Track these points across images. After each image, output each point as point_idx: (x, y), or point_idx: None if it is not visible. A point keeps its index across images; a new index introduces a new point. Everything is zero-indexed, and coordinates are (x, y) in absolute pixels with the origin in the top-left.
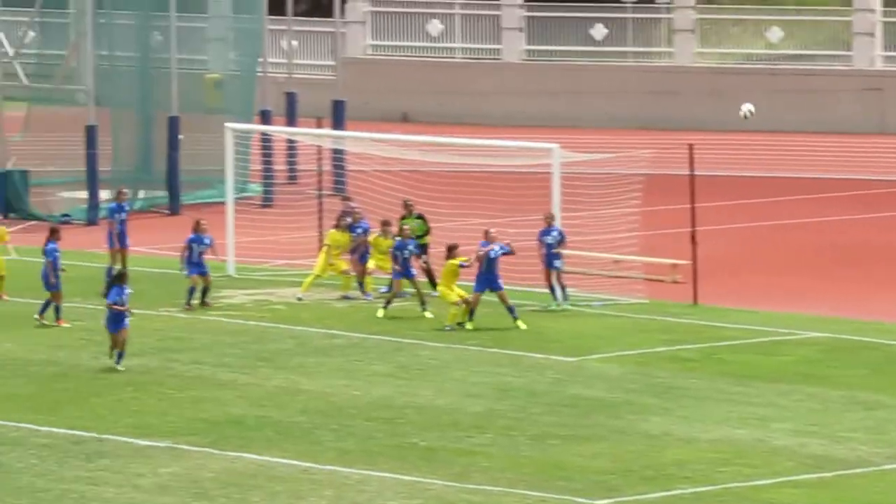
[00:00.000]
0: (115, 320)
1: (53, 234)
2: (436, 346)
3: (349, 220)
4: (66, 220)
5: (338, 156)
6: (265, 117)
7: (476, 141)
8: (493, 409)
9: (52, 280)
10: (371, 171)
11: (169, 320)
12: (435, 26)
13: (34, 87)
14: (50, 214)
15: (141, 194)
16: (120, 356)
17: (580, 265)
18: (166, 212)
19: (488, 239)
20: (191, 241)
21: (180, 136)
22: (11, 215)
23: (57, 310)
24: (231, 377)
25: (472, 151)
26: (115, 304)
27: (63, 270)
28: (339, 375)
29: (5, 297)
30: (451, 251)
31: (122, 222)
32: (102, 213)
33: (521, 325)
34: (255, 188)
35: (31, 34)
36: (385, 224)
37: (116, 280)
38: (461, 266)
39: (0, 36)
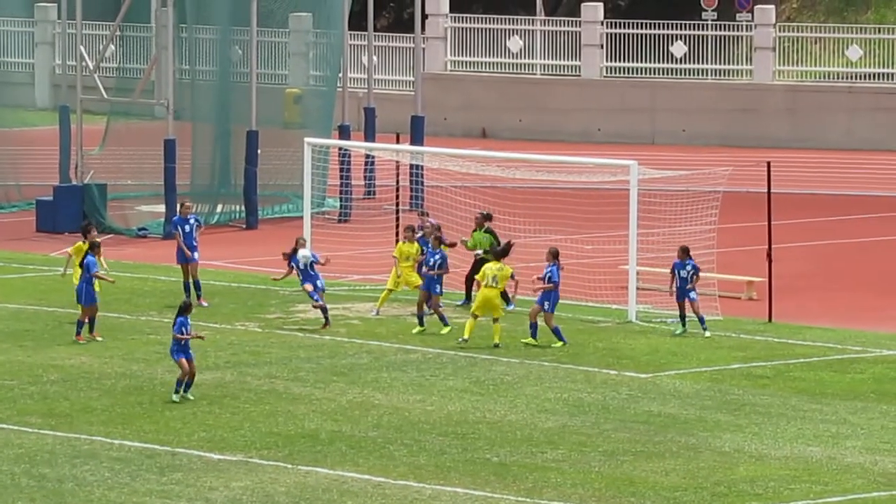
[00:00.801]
0: (182, 350)
1: (93, 249)
2: (510, 361)
3: (418, 231)
4: (143, 233)
5: (416, 171)
6: (344, 132)
7: (554, 157)
8: (566, 425)
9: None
10: (448, 187)
11: (244, 334)
12: (515, 42)
13: (114, 100)
14: (127, 228)
15: (219, 208)
16: (188, 385)
17: (655, 282)
18: (243, 226)
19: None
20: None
21: (259, 151)
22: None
23: (91, 322)
24: (305, 391)
25: (550, 168)
26: (180, 334)
27: (112, 281)
28: (413, 390)
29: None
30: (503, 254)
31: (188, 235)
32: (168, 228)
33: (530, 341)
34: (333, 203)
35: (112, 48)
36: (409, 230)
37: (182, 311)
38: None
39: (80, 49)
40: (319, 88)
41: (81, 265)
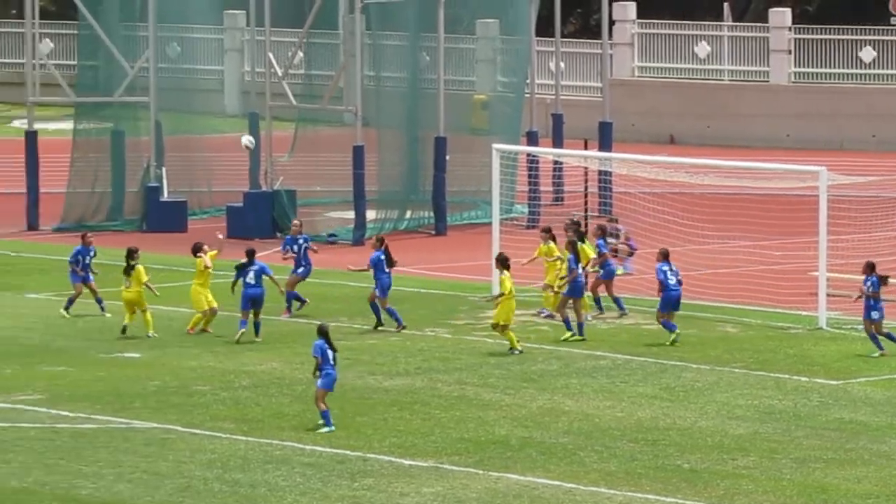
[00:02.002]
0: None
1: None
2: (700, 368)
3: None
4: (332, 239)
5: (604, 177)
6: (532, 138)
7: (742, 163)
8: (757, 432)
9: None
10: (636, 193)
11: (433, 340)
12: (703, 48)
13: (302, 107)
14: (316, 234)
15: (407, 214)
16: (321, 416)
17: (845, 288)
18: (432, 232)
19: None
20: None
21: (447, 157)
22: (279, 234)
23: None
24: (495, 397)
25: (738, 174)
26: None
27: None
28: (603, 397)
29: (210, 330)
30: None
31: (299, 253)
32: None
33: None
34: (521, 209)
35: (300, 55)
36: (546, 231)
37: (320, 334)
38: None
39: (269, 56)
40: (507, 95)
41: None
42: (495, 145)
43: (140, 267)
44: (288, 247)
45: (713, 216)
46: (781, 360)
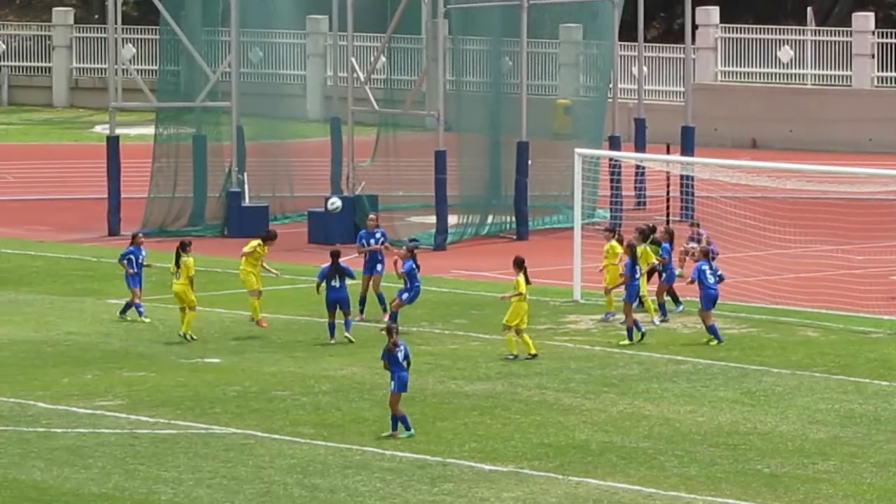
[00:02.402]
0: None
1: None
2: (781, 372)
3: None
4: (414, 244)
5: (686, 182)
6: (614, 143)
7: (825, 167)
8: (838, 436)
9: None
10: (719, 198)
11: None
12: (786, 52)
13: (384, 111)
14: (398, 239)
15: (489, 219)
16: (400, 421)
17: None
18: (514, 237)
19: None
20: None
21: (529, 162)
22: None
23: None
24: (576, 402)
25: (821, 178)
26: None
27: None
28: (683, 401)
29: (264, 325)
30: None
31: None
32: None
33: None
34: (603, 214)
35: (382, 59)
36: (609, 230)
37: (388, 333)
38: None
39: (352, 61)
40: (590, 99)
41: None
42: (578, 150)
43: (189, 259)
44: (363, 241)
45: (795, 220)
46: (862, 364)
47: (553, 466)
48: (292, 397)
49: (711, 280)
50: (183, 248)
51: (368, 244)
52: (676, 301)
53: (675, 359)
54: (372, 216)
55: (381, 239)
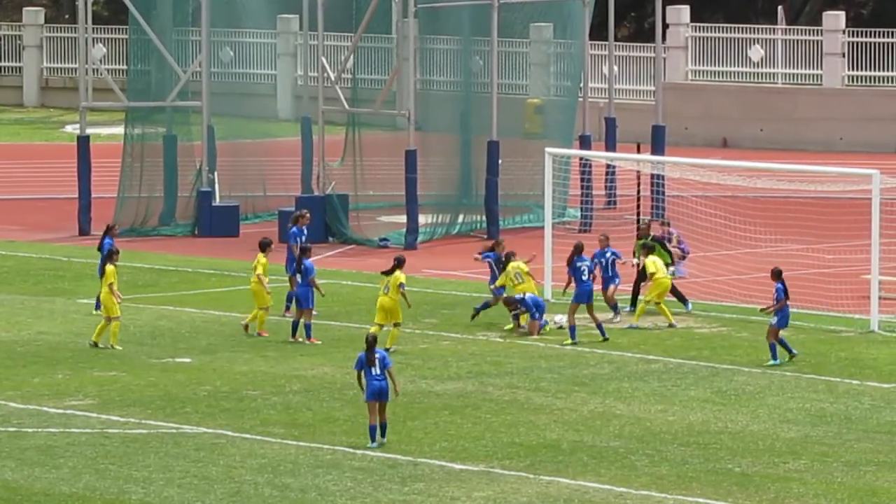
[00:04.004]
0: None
1: (307, 253)
2: (752, 371)
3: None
4: (384, 244)
5: (657, 181)
6: (585, 142)
7: (796, 166)
8: (808, 436)
9: (320, 292)
10: (690, 197)
11: (485, 345)
12: (756, 52)
13: (355, 111)
14: (368, 239)
15: (460, 218)
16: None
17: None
18: (484, 236)
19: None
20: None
21: (500, 161)
22: (331, 239)
23: (308, 327)
24: (546, 402)
25: (791, 177)
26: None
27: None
28: (654, 400)
29: (265, 334)
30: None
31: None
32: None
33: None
34: (574, 213)
35: (353, 59)
36: (645, 247)
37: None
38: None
39: (322, 60)
40: (560, 98)
41: (299, 270)
42: (548, 149)
43: (109, 267)
44: (295, 239)
45: (766, 219)
46: (833, 363)
47: (524, 466)
48: (263, 397)
49: (586, 276)
50: (263, 247)
51: (297, 242)
52: (684, 301)
53: (646, 358)
54: (304, 211)
55: (302, 237)
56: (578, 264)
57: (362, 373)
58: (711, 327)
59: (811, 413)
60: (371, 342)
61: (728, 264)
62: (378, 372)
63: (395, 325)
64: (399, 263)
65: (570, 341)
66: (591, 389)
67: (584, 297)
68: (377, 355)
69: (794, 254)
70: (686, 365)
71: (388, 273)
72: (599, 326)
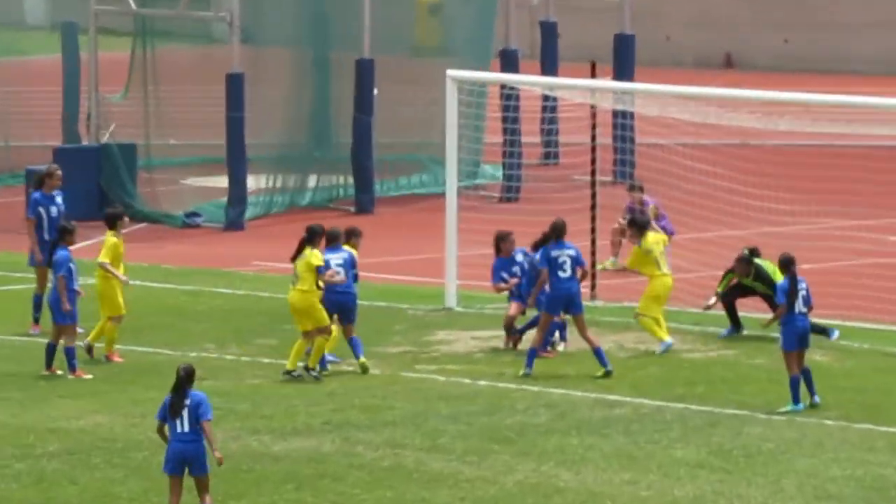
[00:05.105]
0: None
1: (64, 237)
2: (772, 419)
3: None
4: (193, 221)
5: (622, 122)
6: (509, 60)
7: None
8: None
9: (65, 306)
10: (673, 146)
11: (352, 379)
12: None
13: (146, 12)
14: (167, 213)
15: (312, 182)
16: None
17: None
18: (352, 209)
19: None
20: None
21: (375, 91)
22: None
23: (52, 352)
24: (449, 468)
25: (832, 114)
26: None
27: (79, 293)
28: (619, 465)
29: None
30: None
31: (52, 222)
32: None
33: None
34: (493, 172)
35: None
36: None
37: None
38: None
39: None
40: None
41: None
42: (451, 71)
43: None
44: (40, 210)
45: (792, 181)
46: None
47: None
48: (2, 463)
49: (568, 272)
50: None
51: (47, 213)
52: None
53: (606, 398)
54: (52, 168)
55: (61, 209)
56: (555, 253)
57: (166, 426)
58: (708, 349)
59: (865, 484)
60: (184, 377)
61: (735, 249)
62: (186, 428)
63: (320, 331)
64: (312, 236)
65: (523, 371)
66: (520, 448)
67: (561, 302)
68: (188, 401)
69: (836, 234)
70: (669, 409)
71: (296, 255)
72: (598, 353)
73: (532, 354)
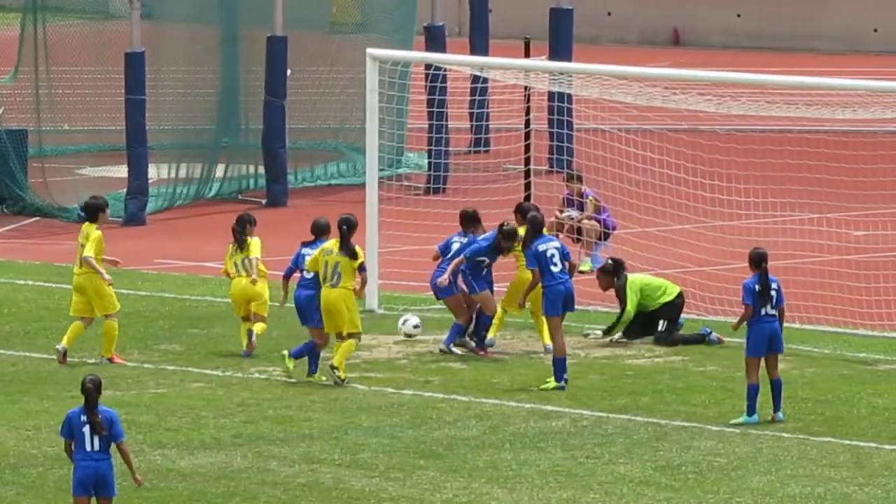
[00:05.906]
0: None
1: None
2: (725, 431)
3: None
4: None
5: (559, 104)
6: (435, 38)
7: (797, 79)
8: None
9: None
10: (614, 132)
11: (264, 388)
12: None
13: None
14: (61, 206)
15: (219, 172)
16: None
17: None
18: (262, 201)
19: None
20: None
21: (288, 72)
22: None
23: None
24: (371, 485)
25: (792, 96)
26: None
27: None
28: (556, 483)
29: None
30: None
31: None
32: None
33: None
34: (417, 161)
35: None
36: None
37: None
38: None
39: None
40: None
41: None
42: (371, 50)
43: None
44: None
45: (750, 170)
46: (864, 417)
47: None
48: None
49: (559, 266)
50: (91, 211)
51: None
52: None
53: (543, 409)
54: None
55: None
56: (542, 247)
57: (72, 444)
58: (654, 356)
59: (826, 503)
60: (91, 389)
61: (683, 247)
62: (97, 448)
63: (258, 318)
64: (243, 223)
65: (553, 383)
66: (449, 464)
67: (560, 301)
68: (100, 416)
69: (796, 228)
70: (611, 421)
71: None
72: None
73: (560, 364)
